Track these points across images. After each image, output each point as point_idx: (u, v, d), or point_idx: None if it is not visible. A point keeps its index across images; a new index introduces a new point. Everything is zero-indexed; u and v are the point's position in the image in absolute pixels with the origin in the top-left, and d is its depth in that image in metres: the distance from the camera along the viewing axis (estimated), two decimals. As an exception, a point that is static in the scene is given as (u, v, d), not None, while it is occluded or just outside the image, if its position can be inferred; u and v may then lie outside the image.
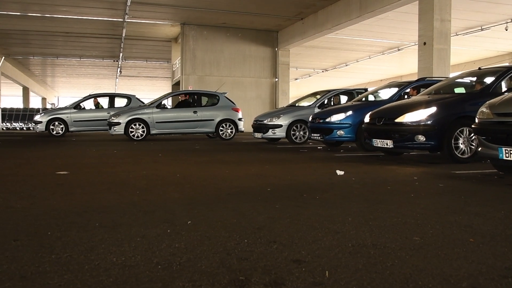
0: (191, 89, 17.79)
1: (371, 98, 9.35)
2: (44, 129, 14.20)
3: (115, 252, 1.98)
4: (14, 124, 24.37)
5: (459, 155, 6.01)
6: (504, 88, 6.32)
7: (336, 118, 8.43)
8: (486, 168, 5.47)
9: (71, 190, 3.72)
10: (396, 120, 6.35)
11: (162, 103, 12.86)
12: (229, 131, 12.99)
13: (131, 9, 16.13)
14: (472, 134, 5.93)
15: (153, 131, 12.16)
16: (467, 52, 22.76)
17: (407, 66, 27.36)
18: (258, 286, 1.61)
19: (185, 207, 3.02)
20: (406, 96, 8.71)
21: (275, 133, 10.63)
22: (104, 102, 15.46)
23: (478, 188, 4.10)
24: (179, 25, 19.33)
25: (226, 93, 13.76)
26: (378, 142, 6.61)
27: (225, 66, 20.17)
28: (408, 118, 6.20)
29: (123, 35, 20.27)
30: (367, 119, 7.10)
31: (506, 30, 16.87)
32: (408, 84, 8.85)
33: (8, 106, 25.79)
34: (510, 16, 16.31)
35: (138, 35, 21.04)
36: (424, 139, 5.97)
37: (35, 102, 42.45)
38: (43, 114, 14.93)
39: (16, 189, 3.78)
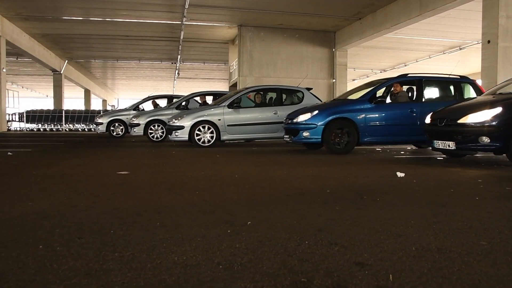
0: None
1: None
2: (104, 130, 14.69)
3: (176, 251, 2.01)
4: (76, 125, 25.56)
5: None
6: None
7: (302, 118, 8.18)
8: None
9: (132, 190, 3.81)
10: (459, 121, 6.15)
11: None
12: None
13: (189, 11, 16.52)
14: None
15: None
16: None
17: (469, 66, 26.29)
18: (320, 288, 1.58)
19: (245, 208, 3.02)
20: (391, 93, 8.68)
21: (177, 135, 10.04)
22: (162, 104, 15.76)
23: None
24: (236, 27, 19.59)
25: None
26: (439, 144, 6.42)
27: (282, 67, 20.22)
28: (471, 119, 5.99)
29: (181, 37, 20.79)
30: (428, 120, 6.88)
31: None
32: (387, 81, 8.71)
33: (70, 108, 27.09)
34: None
35: (196, 37, 21.51)
36: (489, 140, 5.75)
37: (96, 104, 44.43)
38: (103, 115, 15.42)
39: (80, 188, 3.90)
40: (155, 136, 12.78)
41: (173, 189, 3.89)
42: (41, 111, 25.36)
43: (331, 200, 3.36)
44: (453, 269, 1.79)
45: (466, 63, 25.73)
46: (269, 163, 6.37)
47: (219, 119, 9.91)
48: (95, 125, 16.16)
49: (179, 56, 25.60)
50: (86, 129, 25.04)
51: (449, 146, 6.25)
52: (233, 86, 22.11)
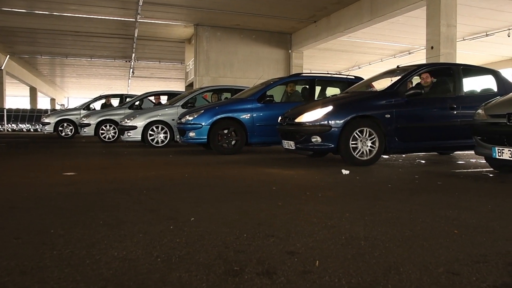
0: None
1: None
2: (52, 131, 14.18)
3: (117, 247, 2.04)
4: (20, 125, 24.37)
5: (357, 157, 5.71)
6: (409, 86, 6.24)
7: (188, 118, 8.00)
8: (485, 167, 5.66)
9: (78, 191, 3.75)
10: (296, 120, 6.08)
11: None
12: None
13: (143, 9, 16.24)
14: (373, 135, 5.75)
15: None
16: (474, 57, 22.97)
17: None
18: (251, 275, 1.69)
19: (191, 205, 3.07)
20: (285, 92, 8.73)
21: (130, 135, 9.88)
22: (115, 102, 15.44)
23: (473, 185, 4.24)
24: (192, 26, 19.46)
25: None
26: (285, 144, 6.34)
27: (238, 67, 20.27)
28: (305, 118, 5.93)
29: (135, 35, 20.40)
30: (279, 119, 6.75)
31: (509, 36, 17.53)
32: (279, 80, 8.75)
33: (14, 106, 25.81)
34: (512, 23, 16.81)
35: (151, 35, 21.17)
36: (320, 140, 5.70)
37: (43, 103, 42.69)
38: (50, 115, 14.90)
39: (21, 190, 3.80)
40: (107, 137, 12.50)
41: (121, 188, 3.88)
42: (-22, 109, 24.04)
43: (275, 196, 3.48)
44: (374, 254, 1.96)
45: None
46: (222, 162, 6.43)
47: (173, 119, 9.87)
48: (41, 125, 15.56)
49: (133, 55, 25.10)
50: (31, 130, 23.98)
51: (291, 146, 6.15)
52: (190, 85, 21.97)
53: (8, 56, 26.94)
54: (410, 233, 2.33)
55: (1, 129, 23.67)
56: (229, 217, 2.69)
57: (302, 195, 3.54)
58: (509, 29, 17.20)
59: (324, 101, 6.36)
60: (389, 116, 5.78)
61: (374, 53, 23.63)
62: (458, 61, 11.32)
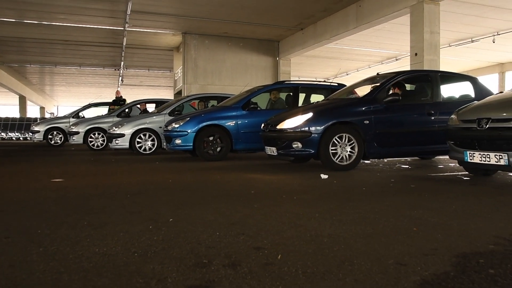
0: None
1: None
2: (41, 139, 14.24)
3: (99, 245, 2.21)
4: (9, 134, 24.26)
5: (337, 162, 5.89)
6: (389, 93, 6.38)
7: (174, 125, 8.21)
8: (461, 171, 5.90)
9: (65, 195, 3.88)
10: (278, 127, 6.29)
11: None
12: None
13: (131, 17, 16.35)
14: (352, 141, 5.90)
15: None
16: (460, 62, 23.40)
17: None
18: (217, 266, 1.86)
19: (171, 208, 3.22)
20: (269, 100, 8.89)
21: (118, 143, 10.04)
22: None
23: (444, 188, 4.43)
24: (180, 34, 19.59)
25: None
26: (268, 150, 6.51)
27: (227, 75, 20.41)
28: (287, 124, 6.13)
29: (124, 43, 20.47)
30: (262, 126, 6.94)
31: (494, 42, 17.97)
32: (263, 87, 8.88)
33: (3, 115, 25.63)
34: (496, 29, 17.22)
35: (139, 43, 21.27)
36: (301, 145, 5.89)
37: (33, 112, 42.39)
38: (40, 123, 14.94)
39: (9, 195, 3.93)
40: (96, 145, 12.54)
41: (106, 193, 4.02)
42: (-33, 118, 23.94)
43: (252, 199, 3.64)
44: (334, 249, 2.14)
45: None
46: (207, 168, 6.57)
47: (161, 127, 9.98)
48: (31, 134, 15.58)
49: (122, 63, 25.14)
50: (21, 138, 23.89)
51: (273, 152, 6.31)
52: (178, 93, 22.04)
53: (-3, 65, 26.83)
54: (372, 230, 2.51)
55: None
56: (206, 218, 2.85)
57: (278, 198, 3.69)
58: (494, 35, 17.62)
59: (304, 108, 6.53)
60: (368, 122, 5.96)
61: (362, 59, 23.93)
62: (444, 67, 11.64)
